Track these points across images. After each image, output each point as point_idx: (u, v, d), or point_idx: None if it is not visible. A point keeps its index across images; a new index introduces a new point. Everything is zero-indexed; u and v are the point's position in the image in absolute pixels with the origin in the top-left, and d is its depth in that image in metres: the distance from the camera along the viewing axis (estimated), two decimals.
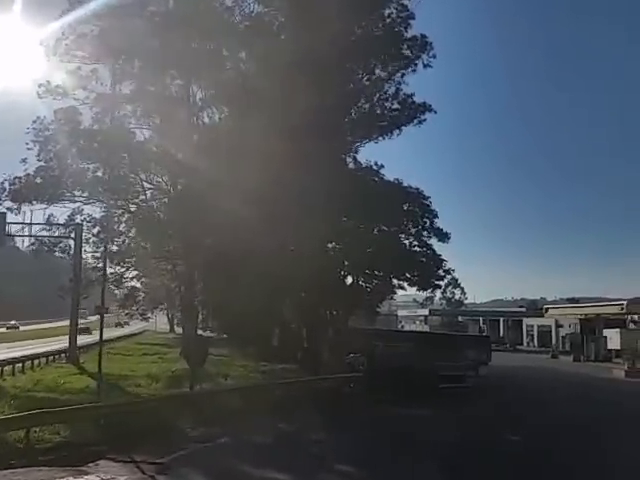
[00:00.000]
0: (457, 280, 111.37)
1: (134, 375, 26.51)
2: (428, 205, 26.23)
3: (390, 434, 15.49)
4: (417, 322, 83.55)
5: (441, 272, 26.15)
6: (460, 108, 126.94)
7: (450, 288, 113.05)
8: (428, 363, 24.78)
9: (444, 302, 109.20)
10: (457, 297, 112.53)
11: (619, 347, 53.68)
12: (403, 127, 31.87)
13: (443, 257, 26.52)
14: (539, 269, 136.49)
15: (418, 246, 26.28)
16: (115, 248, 37.53)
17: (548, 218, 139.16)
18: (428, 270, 26.00)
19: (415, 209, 26.08)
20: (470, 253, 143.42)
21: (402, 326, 78.14)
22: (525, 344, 73.61)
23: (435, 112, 31.40)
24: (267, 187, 23.96)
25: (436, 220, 26.17)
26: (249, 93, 27.21)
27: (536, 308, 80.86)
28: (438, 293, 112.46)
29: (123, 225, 36.19)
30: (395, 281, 26.82)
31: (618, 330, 55.62)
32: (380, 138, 32.03)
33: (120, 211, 34.92)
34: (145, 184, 35.22)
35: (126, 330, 79.55)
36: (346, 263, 26.39)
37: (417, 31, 29.19)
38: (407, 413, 19.59)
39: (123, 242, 37.96)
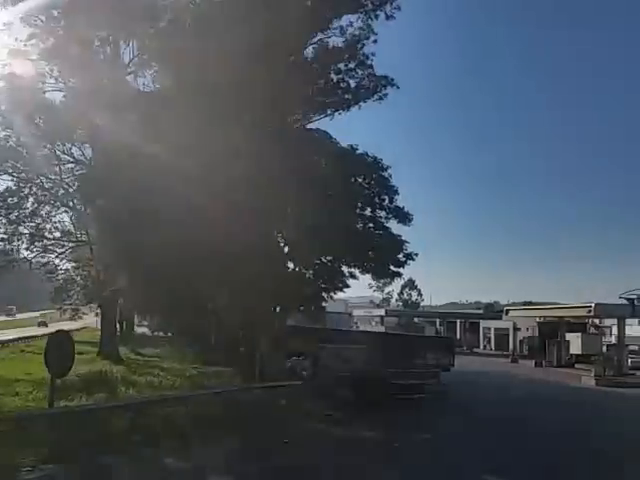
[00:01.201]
0: (414, 282, 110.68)
1: (26, 379, 21.23)
2: (387, 179, 21.66)
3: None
4: (373, 323, 79.44)
5: (401, 257, 21.51)
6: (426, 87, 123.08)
7: (407, 290, 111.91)
8: (383, 369, 20.36)
9: (400, 304, 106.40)
10: (414, 299, 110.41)
11: (580, 352, 50.96)
12: (362, 102, 27.34)
13: (404, 238, 21.74)
14: (494, 273, 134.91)
15: (374, 227, 21.55)
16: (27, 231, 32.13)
17: (503, 223, 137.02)
18: (385, 255, 21.31)
19: (371, 182, 21.50)
20: (426, 255, 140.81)
21: (357, 327, 73.80)
22: (482, 347, 70.65)
23: (397, 87, 26.98)
24: (206, 162, 19.00)
25: (396, 197, 21.70)
26: (191, 54, 22.07)
27: (493, 310, 78.09)
28: (395, 295, 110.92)
29: (31, 202, 30.58)
30: (346, 269, 22.05)
31: (579, 335, 52.82)
32: (337, 113, 27.42)
33: (29, 185, 29.57)
34: (61, 155, 30.04)
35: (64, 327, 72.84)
36: (286, 248, 21.55)
37: None
38: (350, 437, 15.04)
39: (38, 225, 32.47)
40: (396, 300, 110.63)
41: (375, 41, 26.36)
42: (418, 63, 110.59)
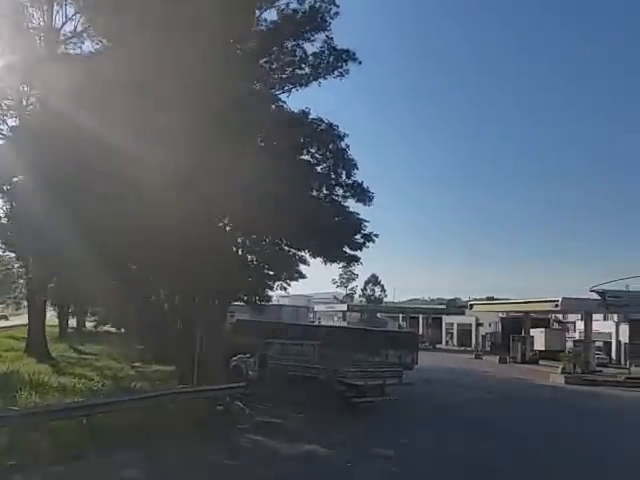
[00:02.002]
0: (377, 278, 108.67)
1: None
2: (344, 150, 18.76)
3: None
4: (336, 318, 76.85)
5: (359, 238, 18.62)
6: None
7: (370, 285, 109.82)
8: (339, 368, 17.55)
9: (364, 299, 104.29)
10: (377, 294, 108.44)
11: (544, 348, 49.46)
12: (322, 79, 24.44)
13: (362, 217, 18.73)
14: (458, 271, 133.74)
15: (328, 204, 18.46)
16: None
17: (463, 221, 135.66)
18: (341, 235, 18.33)
19: (326, 153, 18.53)
20: (391, 251, 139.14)
21: (319, 322, 71.11)
22: (444, 343, 68.99)
23: (360, 62, 24.13)
24: (143, 139, 15.77)
25: (355, 172, 18.77)
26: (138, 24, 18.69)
27: (456, 306, 76.53)
28: (359, 291, 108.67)
29: None
30: (295, 253, 19.04)
31: (543, 330, 51.37)
32: (294, 90, 24.45)
33: None
34: None
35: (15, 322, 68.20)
36: (228, 227, 18.36)
37: None
38: (290, 454, 12.18)
39: None
40: (359, 296, 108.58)
41: (337, 13, 23.51)
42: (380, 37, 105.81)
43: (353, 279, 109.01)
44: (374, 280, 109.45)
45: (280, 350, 20.07)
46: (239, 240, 17.79)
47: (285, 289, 26.93)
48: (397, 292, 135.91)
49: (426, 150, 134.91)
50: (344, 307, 69.98)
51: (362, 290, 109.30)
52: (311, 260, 19.91)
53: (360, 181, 18.93)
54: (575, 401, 23.61)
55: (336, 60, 24.37)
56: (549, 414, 19.44)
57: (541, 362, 44.16)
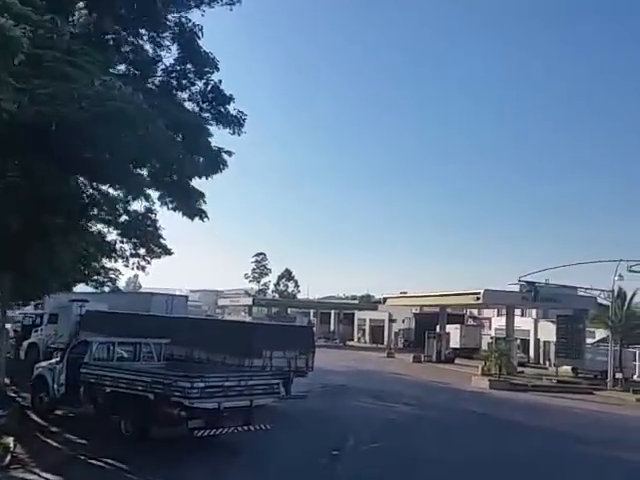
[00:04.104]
0: (291, 273, 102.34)
1: None
2: (199, 47, 11.64)
3: None
4: (243, 313, 69.36)
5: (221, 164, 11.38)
6: None
7: (284, 281, 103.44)
8: (176, 383, 10.52)
9: (277, 295, 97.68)
10: (290, 290, 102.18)
11: (459, 345, 44.85)
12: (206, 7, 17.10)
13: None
14: (373, 267, 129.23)
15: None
16: None
17: (378, 219, 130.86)
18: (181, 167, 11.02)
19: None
20: (306, 248, 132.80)
21: (222, 317, 63.38)
22: (356, 339, 63.60)
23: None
24: None
25: (211, 77, 11.81)
26: None
27: (370, 301, 71.33)
28: (272, 286, 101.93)
29: None
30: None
31: (458, 326, 46.80)
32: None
33: None
34: None
35: None
36: None
37: None
38: None
39: None
40: (272, 291, 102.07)
41: None
42: None
43: (266, 274, 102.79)
44: (288, 275, 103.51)
45: (102, 353, 12.80)
46: None
47: (143, 269, 19.74)
48: (312, 288, 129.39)
49: (349, 147, 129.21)
50: (249, 301, 62.63)
51: (275, 285, 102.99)
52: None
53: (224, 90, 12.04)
54: (515, 417, 17.77)
55: None
56: (491, 446, 13.26)
57: (457, 361, 39.30)
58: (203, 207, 13.08)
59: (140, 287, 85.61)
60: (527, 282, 27.92)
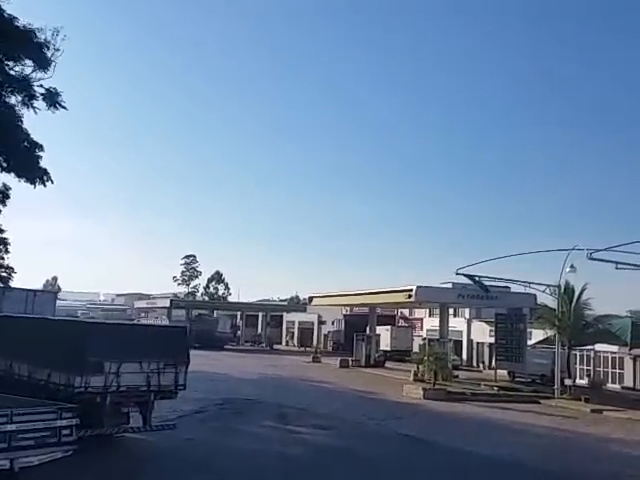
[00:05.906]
0: (221, 275, 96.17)
1: None
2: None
3: None
4: (164, 317, 62.68)
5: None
6: None
7: (214, 283, 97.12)
8: None
9: (206, 298, 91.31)
10: (221, 293, 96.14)
11: (389, 348, 40.87)
12: None
13: None
14: (305, 274, 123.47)
15: None
16: None
17: (306, 223, 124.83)
18: None
19: None
20: (237, 250, 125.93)
21: (138, 321, 56.57)
22: (284, 343, 58.70)
23: None
24: None
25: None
26: None
27: (299, 302, 66.58)
28: (201, 289, 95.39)
29: None
30: None
31: (389, 328, 42.85)
32: None
33: None
34: None
35: None
36: None
37: None
38: None
39: None
40: (202, 294, 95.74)
41: None
42: None
43: (196, 276, 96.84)
44: (218, 277, 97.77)
45: None
46: None
47: None
48: (243, 292, 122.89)
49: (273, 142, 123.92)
50: (167, 302, 56.19)
51: (204, 288, 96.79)
52: None
53: None
54: (460, 445, 12.93)
55: None
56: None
57: (388, 364, 35.25)
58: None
59: (60, 290, 77.77)
60: (467, 275, 23.94)
